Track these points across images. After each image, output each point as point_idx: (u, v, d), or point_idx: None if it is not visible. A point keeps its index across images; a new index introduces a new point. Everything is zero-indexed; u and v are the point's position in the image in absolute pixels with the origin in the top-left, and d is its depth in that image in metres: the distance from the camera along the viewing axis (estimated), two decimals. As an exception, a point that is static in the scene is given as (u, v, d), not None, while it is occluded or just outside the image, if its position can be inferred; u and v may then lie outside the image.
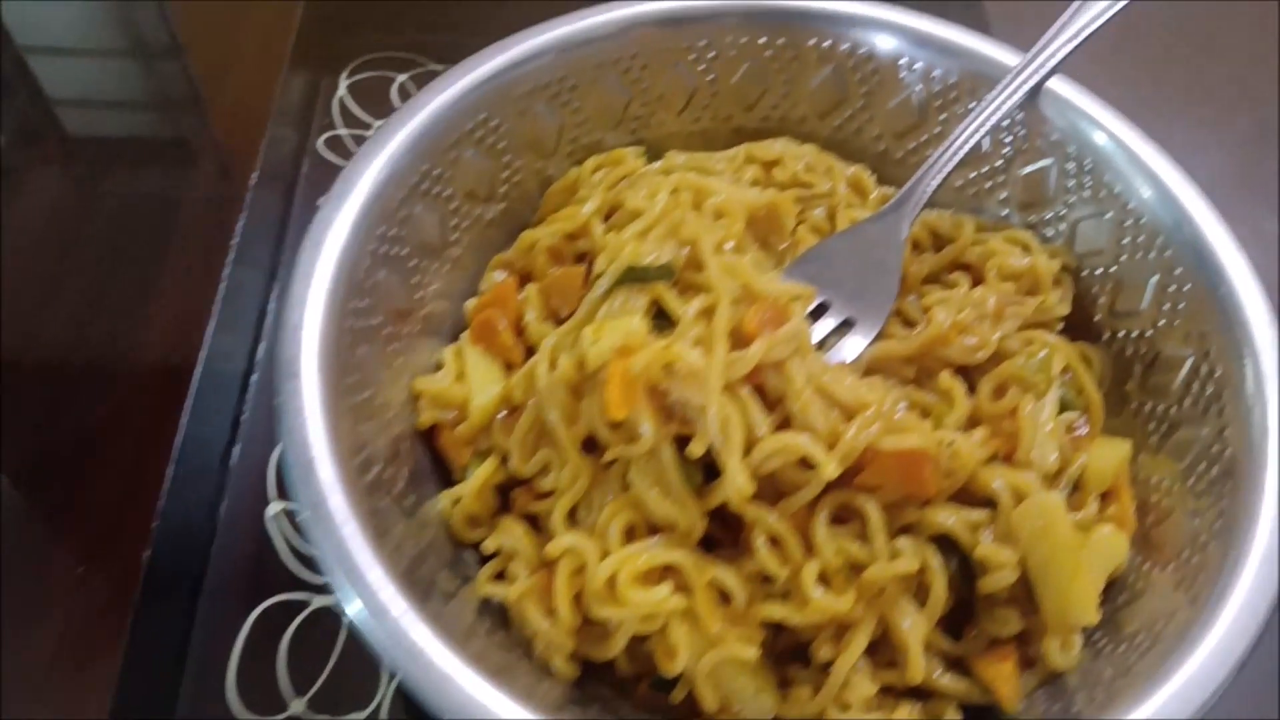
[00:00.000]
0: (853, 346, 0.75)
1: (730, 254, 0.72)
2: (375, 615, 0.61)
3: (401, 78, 1.21)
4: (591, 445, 0.69)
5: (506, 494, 0.75)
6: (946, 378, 0.75)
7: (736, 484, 0.62)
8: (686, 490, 0.66)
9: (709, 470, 0.66)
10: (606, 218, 0.80)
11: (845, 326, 0.77)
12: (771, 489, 0.66)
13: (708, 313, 0.68)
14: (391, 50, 1.24)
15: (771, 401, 0.67)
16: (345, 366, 0.66)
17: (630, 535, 0.66)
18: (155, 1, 1.33)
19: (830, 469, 0.62)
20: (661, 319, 0.69)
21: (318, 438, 0.61)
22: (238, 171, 1.08)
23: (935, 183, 0.77)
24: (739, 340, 0.67)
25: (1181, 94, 1.39)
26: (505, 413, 0.75)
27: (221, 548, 0.83)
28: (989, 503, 0.69)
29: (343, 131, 1.31)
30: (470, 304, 0.83)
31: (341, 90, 1.35)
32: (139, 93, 1.24)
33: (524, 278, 0.82)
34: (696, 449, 0.64)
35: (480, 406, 0.75)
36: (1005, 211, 0.88)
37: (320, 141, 1.29)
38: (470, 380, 0.77)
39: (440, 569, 0.66)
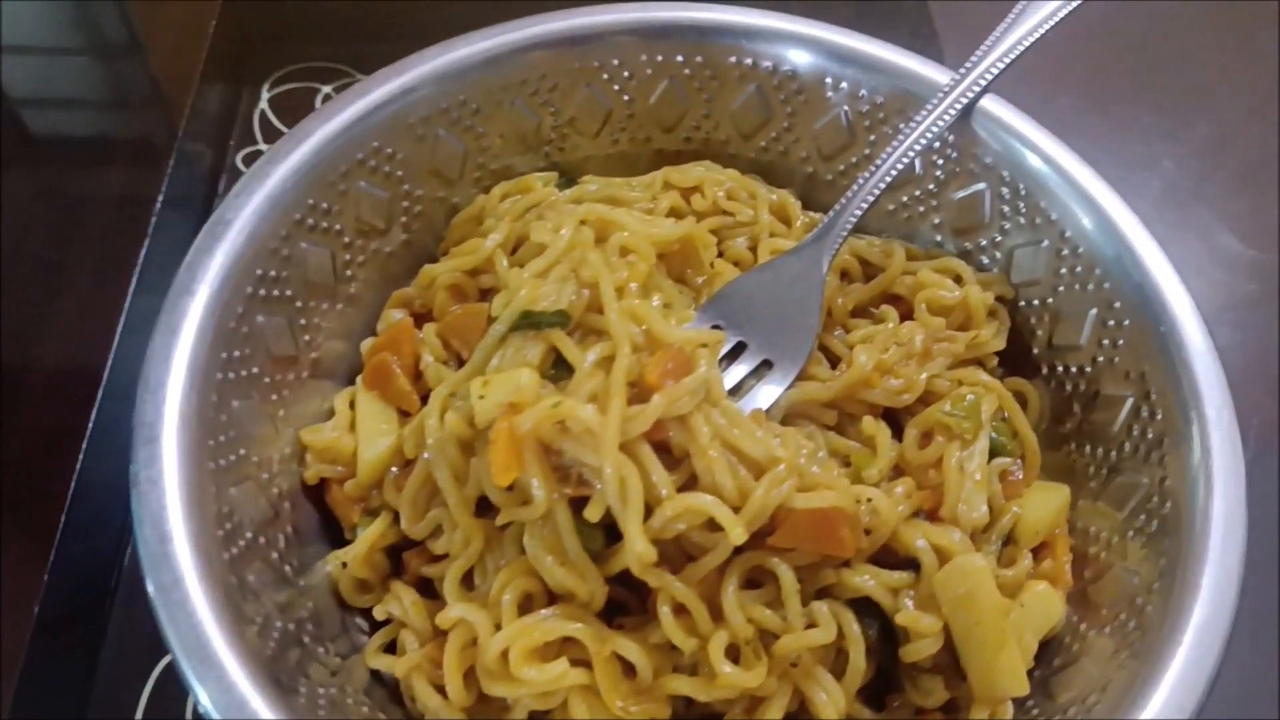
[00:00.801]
0: (770, 392, 0.71)
1: (635, 296, 0.66)
2: (228, 712, 0.55)
3: (327, 89, 1.14)
4: (487, 505, 0.65)
5: (399, 556, 0.71)
6: (870, 423, 0.71)
7: (636, 550, 0.59)
8: (585, 557, 0.62)
9: (610, 532, 0.62)
10: (514, 250, 0.76)
11: (765, 367, 0.72)
12: (678, 552, 0.63)
13: (606, 362, 0.64)
14: (317, 60, 1.17)
15: (676, 459, 0.63)
16: (213, 426, 0.61)
17: (527, 604, 0.63)
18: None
19: (737, 533, 0.58)
20: (563, 366, 0.66)
21: (175, 511, 0.56)
22: (149, 183, 1.00)
23: (858, 212, 0.73)
24: (640, 392, 0.62)
25: (1135, 103, 1.34)
26: (397, 468, 0.71)
27: (125, 597, 0.80)
28: (912, 563, 0.65)
29: (264, 147, 1.24)
30: (366, 345, 0.77)
31: (263, 103, 1.28)
32: (62, 90, 1.14)
33: (424, 316, 0.77)
34: (593, 513, 0.60)
35: (369, 462, 0.71)
36: (939, 237, 0.85)
37: (240, 157, 1.22)
38: (360, 431, 0.72)
39: (323, 642, 0.61)
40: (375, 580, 0.70)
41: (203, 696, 0.52)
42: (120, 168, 1.06)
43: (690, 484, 0.62)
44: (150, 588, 0.54)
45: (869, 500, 0.65)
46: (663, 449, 0.62)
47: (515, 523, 0.64)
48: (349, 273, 0.77)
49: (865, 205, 0.75)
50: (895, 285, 0.80)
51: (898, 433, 0.71)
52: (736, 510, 0.60)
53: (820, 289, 0.75)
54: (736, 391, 0.71)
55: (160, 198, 0.98)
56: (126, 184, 1.03)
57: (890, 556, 0.65)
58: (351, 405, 0.74)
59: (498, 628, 0.61)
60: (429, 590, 0.68)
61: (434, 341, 0.74)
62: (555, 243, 0.71)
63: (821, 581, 0.63)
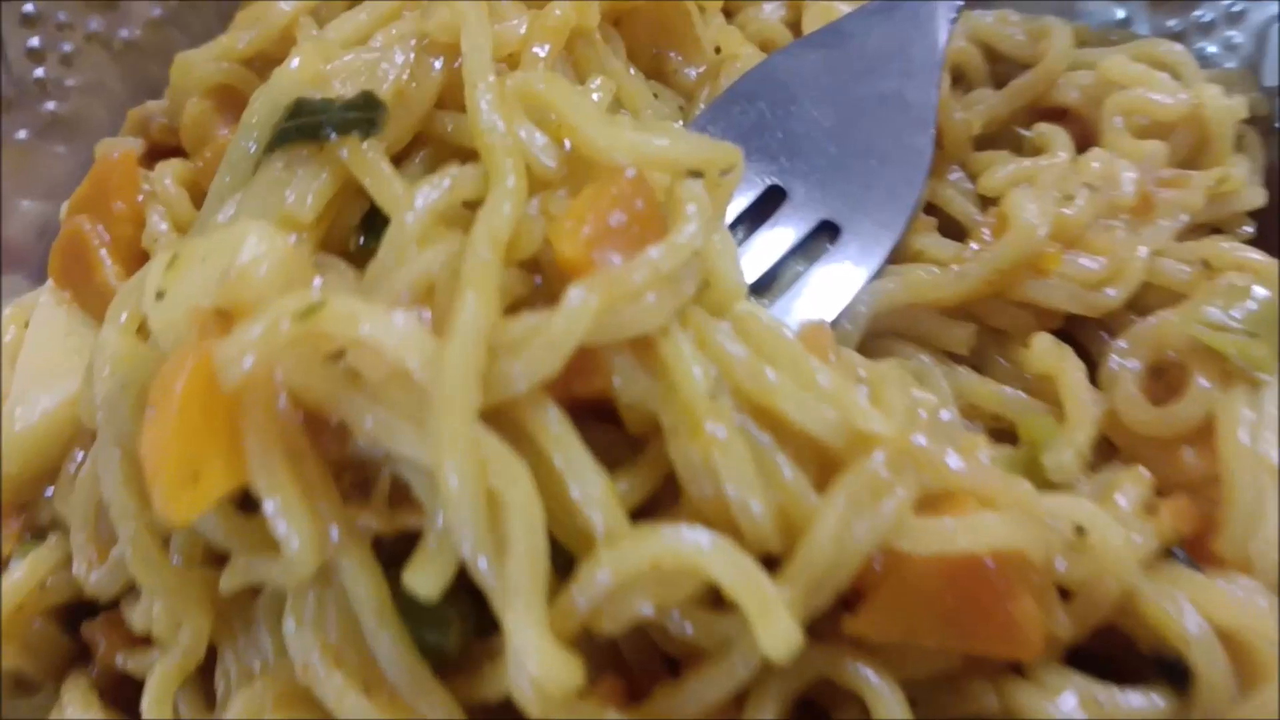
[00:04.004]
0: (838, 284, 0.43)
1: (540, 70, 0.38)
2: None
3: None
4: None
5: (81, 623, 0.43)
6: (1046, 349, 0.42)
7: (532, 664, 0.29)
8: (419, 666, 0.32)
9: (480, 607, 0.32)
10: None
11: (824, 236, 0.44)
12: (643, 655, 0.34)
13: (460, 212, 0.34)
14: None
15: (629, 439, 0.34)
16: None
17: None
18: None
19: (778, 633, 0.29)
20: (378, 229, 0.35)
21: None
22: None
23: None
24: (545, 286, 0.33)
25: None
26: (83, 453, 0.42)
27: None
28: (1169, 666, 0.35)
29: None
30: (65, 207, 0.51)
31: None
32: None
33: (173, 151, 0.51)
34: (426, 575, 0.30)
35: (25, 436, 0.42)
36: (1120, 9, 0.58)
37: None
38: (19, 375, 0.45)
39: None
40: (43, 668, 0.43)
41: None
42: None
43: (664, 499, 0.34)
44: None
45: (1076, 531, 0.34)
46: (600, 415, 0.34)
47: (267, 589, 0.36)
48: (57, 75, 0.53)
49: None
50: (1058, 89, 0.53)
51: (1095, 372, 0.44)
52: (772, 566, 0.31)
53: (935, 79, 0.46)
54: (768, 287, 0.43)
55: None
56: None
57: (1116, 649, 0.36)
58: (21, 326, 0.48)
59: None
60: (125, 699, 0.40)
61: (171, 192, 0.47)
62: None
63: (967, 711, 0.35)
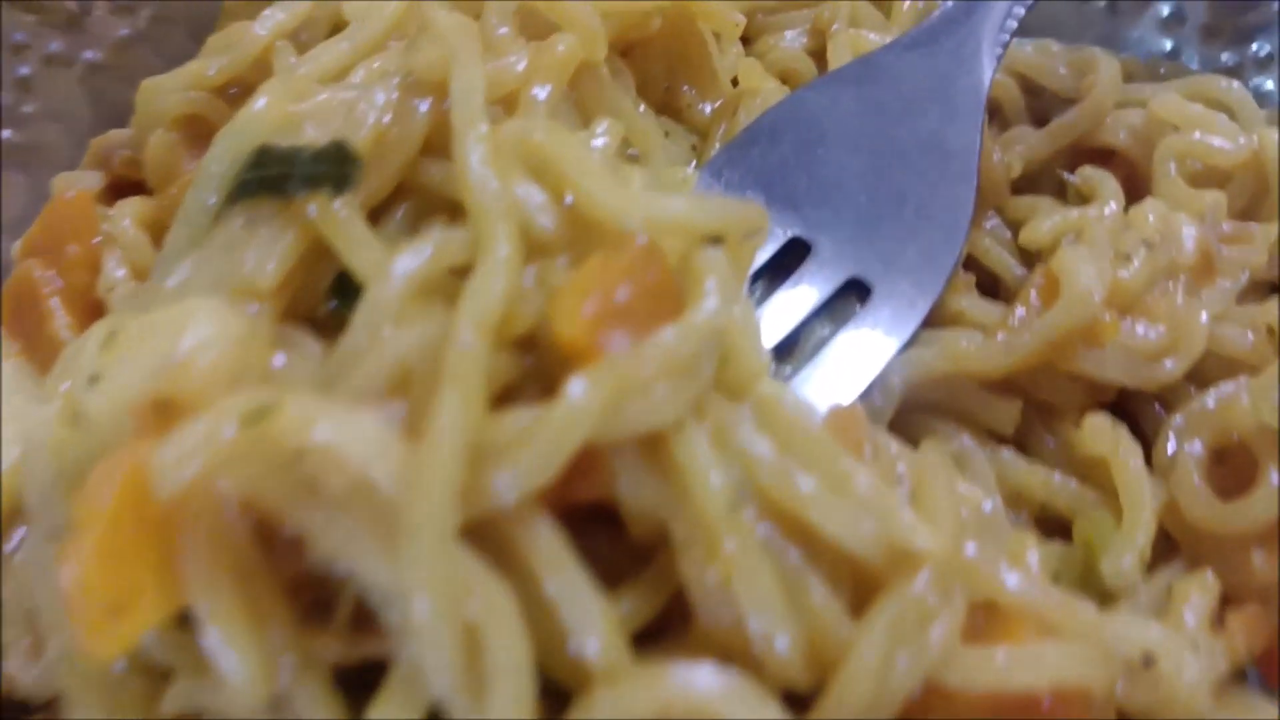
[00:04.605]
0: (868, 347, 0.38)
1: (540, 117, 0.33)
2: None
3: None
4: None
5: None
6: (1100, 430, 0.37)
7: None
8: None
9: None
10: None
11: (851, 295, 0.39)
12: None
13: (440, 284, 0.29)
14: None
15: (631, 552, 0.29)
16: None
17: None
18: None
19: None
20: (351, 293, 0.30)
21: None
22: None
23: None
24: (536, 366, 0.29)
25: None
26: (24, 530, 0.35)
27: None
28: None
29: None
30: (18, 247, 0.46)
31: None
32: None
33: (137, 187, 0.46)
34: (393, 712, 0.26)
35: None
36: (1169, 38, 0.54)
37: None
38: None
39: None
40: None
41: None
42: None
43: (672, 618, 0.28)
44: None
45: (1144, 659, 0.29)
46: (598, 515, 0.29)
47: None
48: (14, 102, 0.49)
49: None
50: (1106, 129, 0.48)
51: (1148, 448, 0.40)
52: (799, 705, 0.27)
53: (979, 122, 0.42)
54: (789, 352, 0.38)
55: None
56: None
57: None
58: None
59: None
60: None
61: (129, 235, 0.42)
62: (372, 14, 0.38)
63: None
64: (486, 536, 0.26)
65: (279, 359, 0.28)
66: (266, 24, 0.43)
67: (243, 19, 0.47)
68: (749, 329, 0.31)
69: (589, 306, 0.28)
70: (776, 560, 0.27)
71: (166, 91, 0.44)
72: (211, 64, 0.44)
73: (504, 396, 0.28)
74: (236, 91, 0.44)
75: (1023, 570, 0.29)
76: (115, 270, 0.42)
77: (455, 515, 0.24)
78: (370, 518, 0.24)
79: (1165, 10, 0.53)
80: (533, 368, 0.29)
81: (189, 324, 0.26)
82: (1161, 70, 0.54)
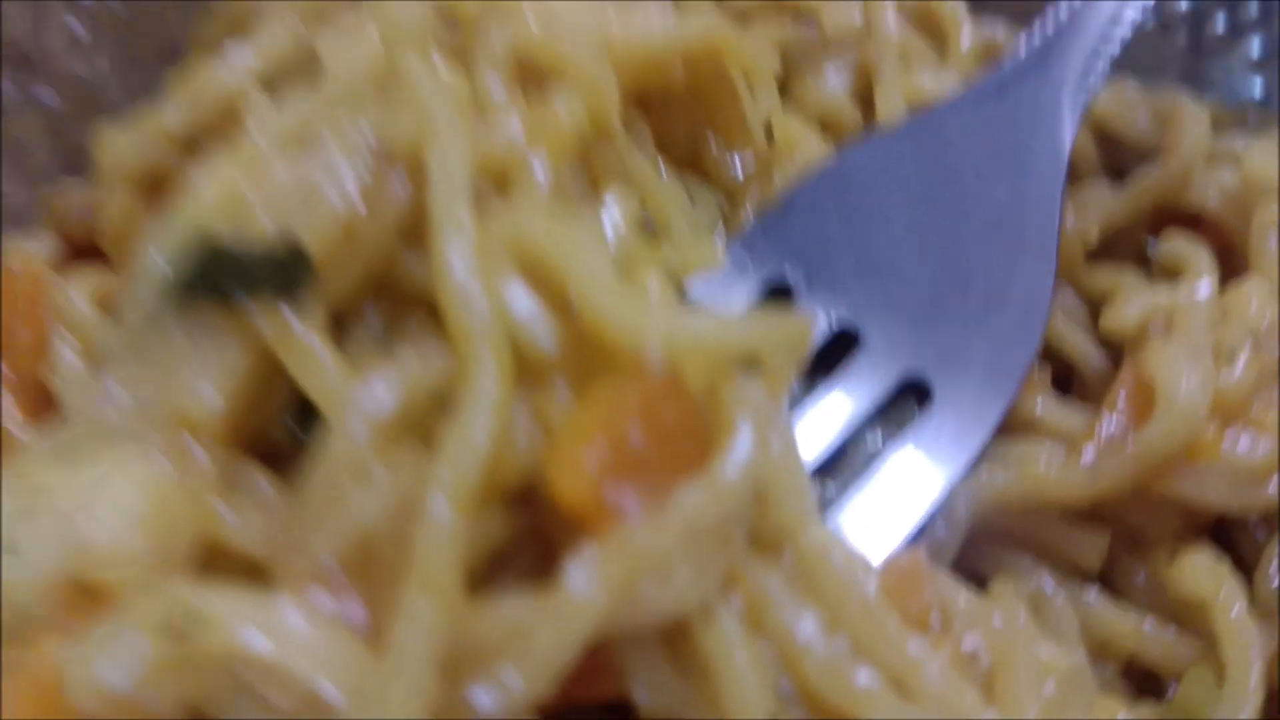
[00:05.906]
0: (929, 463, 0.33)
1: (535, 193, 0.28)
2: None
3: None
4: None
5: None
6: (1200, 573, 0.31)
7: None
8: None
9: None
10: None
11: (910, 398, 0.34)
12: None
13: (408, 430, 0.24)
14: None
15: None
16: None
17: None
18: None
19: None
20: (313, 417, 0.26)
21: None
22: None
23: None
24: (532, 523, 0.24)
25: None
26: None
27: None
28: None
29: None
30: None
31: None
32: None
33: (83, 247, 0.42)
34: None
35: None
36: (1259, 81, 0.49)
37: None
38: None
39: None
40: None
41: None
42: None
43: None
44: None
45: None
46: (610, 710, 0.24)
47: None
48: None
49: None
50: (1193, 189, 0.43)
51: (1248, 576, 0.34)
52: None
53: (1059, 190, 0.37)
54: (834, 467, 0.33)
55: None
56: None
57: None
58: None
59: None
60: None
61: (83, 315, 0.37)
62: (346, 59, 0.32)
63: None
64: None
65: (223, 513, 0.23)
66: (234, 69, 0.39)
67: (214, 49, 0.43)
68: (790, 465, 0.26)
69: (593, 456, 0.23)
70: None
71: (122, 147, 0.39)
72: (171, 113, 0.39)
73: (493, 563, 0.23)
74: (206, 139, 0.40)
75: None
76: (70, 359, 0.37)
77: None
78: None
79: (1256, 48, 0.47)
80: (527, 527, 0.24)
81: (108, 491, 0.21)
82: (1249, 117, 0.47)
